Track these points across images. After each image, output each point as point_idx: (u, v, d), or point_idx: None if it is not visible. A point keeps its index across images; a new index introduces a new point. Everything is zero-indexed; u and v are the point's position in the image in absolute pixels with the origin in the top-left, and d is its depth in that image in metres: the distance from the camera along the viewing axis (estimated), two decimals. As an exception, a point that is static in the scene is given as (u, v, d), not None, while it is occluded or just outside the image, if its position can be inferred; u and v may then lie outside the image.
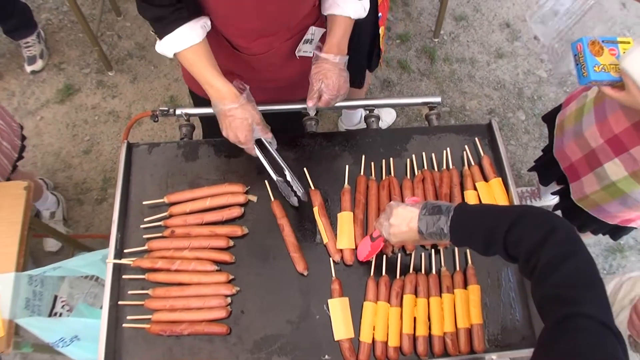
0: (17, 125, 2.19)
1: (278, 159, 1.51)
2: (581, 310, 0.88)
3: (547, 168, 2.10)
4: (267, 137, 1.50)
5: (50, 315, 2.02)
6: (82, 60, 3.31)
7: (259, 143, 1.51)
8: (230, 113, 1.40)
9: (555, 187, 2.19)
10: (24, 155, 2.23)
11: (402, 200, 1.51)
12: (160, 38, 1.38)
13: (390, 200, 1.53)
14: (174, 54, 1.40)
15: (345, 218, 1.52)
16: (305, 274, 1.46)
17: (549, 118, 2.15)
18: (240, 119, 1.41)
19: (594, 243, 2.84)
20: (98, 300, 2.28)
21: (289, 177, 1.50)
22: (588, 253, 0.98)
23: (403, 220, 1.24)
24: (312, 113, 1.57)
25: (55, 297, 2.13)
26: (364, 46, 2.04)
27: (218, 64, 1.51)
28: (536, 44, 3.47)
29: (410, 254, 1.50)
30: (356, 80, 2.13)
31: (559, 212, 2.20)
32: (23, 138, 2.22)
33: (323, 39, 1.55)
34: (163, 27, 1.35)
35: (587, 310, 0.88)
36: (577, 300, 0.90)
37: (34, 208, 2.72)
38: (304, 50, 1.56)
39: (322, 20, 1.57)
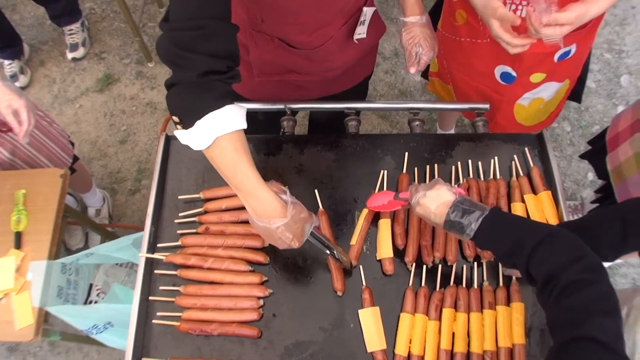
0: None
1: (321, 239, 1.31)
2: (591, 334, 0.85)
3: None
4: (315, 222, 1.28)
5: (85, 303, 2.02)
6: (122, 50, 3.32)
7: None
8: (279, 231, 1.16)
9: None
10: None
11: None
12: (199, 117, 1.07)
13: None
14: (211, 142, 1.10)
15: (384, 226, 1.46)
16: (340, 294, 1.40)
17: (589, 155, 2.06)
18: (294, 233, 1.19)
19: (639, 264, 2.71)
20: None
21: (336, 255, 1.34)
22: (611, 286, 0.94)
23: (438, 198, 1.19)
24: (417, 79, 1.55)
25: (91, 286, 2.13)
26: None
27: (276, 65, 1.47)
28: (585, 53, 3.34)
29: (452, 266, 1.43)
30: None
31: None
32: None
33: (373, 17, 1.52)
34: (211, 101, 1.07)
35: (597, 335, 0.84)
36: (589, 324, 0.86)
37: (82, 202, 2.74)
38: (359, 32, 1.53)
39: (371, 0, 1.54)
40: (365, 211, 1.48)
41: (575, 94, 2.01)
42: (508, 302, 1.38)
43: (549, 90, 1.79)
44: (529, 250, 1.02)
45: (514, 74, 1.69)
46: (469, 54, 1.73)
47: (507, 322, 1.34)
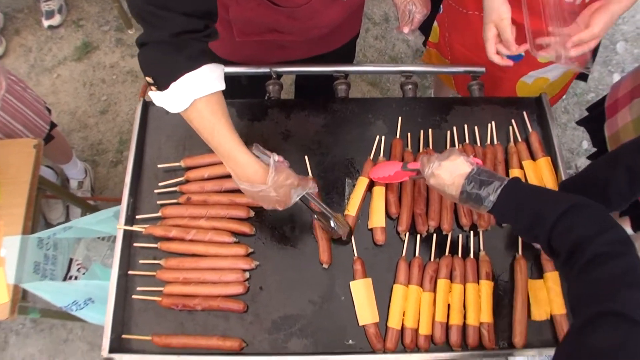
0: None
1: (321, 207, 1.26)
2: (618, 308, 0.79)
3: None
4: (309, 189, 1.22)
5: (65, 279, 1.95)
6: (101, 17, 3.18)
7: None
8: (261, 194, 1.14)
9: None
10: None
11: None
12: (174, 79, 1.02)
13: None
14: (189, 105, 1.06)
15: (378, 194, 1.39)
16: (326, 267, 1.34)
17: (586, 122, 2.00)
18: (277, 196, 1.15)
19: None
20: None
21: (332, 224, 1.27)
22: (639, 259, 0.89)
23: (454, 170, 1.13)
24: (411, 38, 1.48)
25: (71, 261, 2.05)
26: None
27: (258, 23, 1.39)
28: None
29: (447, 235, 1.37)
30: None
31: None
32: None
33: None
34: (186, 61, 1.02)
35: (624, 310, 0.79)
36: (616, 298, 0.81)
37: (63, 174, 2.64)
38: None
39: None
40: (364, 180, 1.41)
41: (582, 73, 1.93)
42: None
43: (555, 71, 1.71)
44: (552, 221, 0.97)
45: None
46: (475, 28, 1.63)
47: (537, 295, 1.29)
